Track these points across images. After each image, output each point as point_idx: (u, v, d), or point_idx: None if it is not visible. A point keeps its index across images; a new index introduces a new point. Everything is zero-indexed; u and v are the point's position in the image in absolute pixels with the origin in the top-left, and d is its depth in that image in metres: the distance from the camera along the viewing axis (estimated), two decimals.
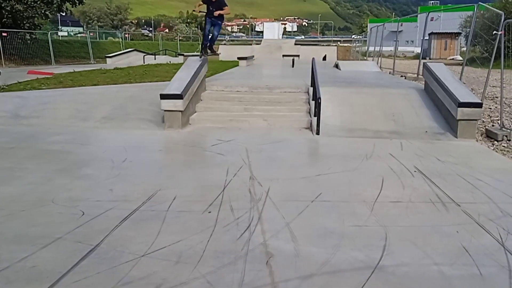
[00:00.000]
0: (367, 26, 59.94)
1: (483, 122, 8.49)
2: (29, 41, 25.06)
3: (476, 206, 4.34)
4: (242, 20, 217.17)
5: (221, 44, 37.52)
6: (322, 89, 8.22)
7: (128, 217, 3.98)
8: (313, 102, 8.50)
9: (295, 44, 35.68)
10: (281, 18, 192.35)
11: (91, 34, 40.89)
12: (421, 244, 3.50)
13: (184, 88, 8.23)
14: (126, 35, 52.35)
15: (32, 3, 22.84)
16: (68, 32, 56.67)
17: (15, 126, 8.23)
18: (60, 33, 50.96)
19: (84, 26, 79.73)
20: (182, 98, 8.02)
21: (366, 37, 36.86)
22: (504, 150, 6.94)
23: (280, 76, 14.43)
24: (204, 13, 9.32)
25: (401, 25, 22.53)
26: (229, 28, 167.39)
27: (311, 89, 9.45)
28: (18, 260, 3.16)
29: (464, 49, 19.97)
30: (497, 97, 10.21)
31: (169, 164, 6.23)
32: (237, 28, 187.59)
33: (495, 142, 7.37)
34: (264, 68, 18.36)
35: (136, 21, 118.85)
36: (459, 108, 7.44)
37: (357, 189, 4.90)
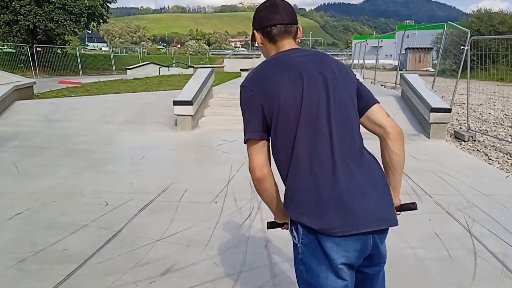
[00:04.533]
0: (352, 42, 59.89)
1: (452, 125, 8.49)
2: (60, 55, 25.08)
3: (446, 197, 4.34)
4: (244, 37, 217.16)
5: (226, 58, 37.53)
6: None
7: (145, 207, 3.98)
8: None
9: None
10: None
11: (114, 49, 40.88)
12: (398, 230, 3.47)
13: (194, 95, 8.22)
14: (144, 50, 52.36)
15: (63, 21, 22.87)
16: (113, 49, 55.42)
17: (48, 128, 8.23)
18: (104, 48, 50.68)
19: (108, 42, 79.69)
20: (192, 104, 8.01)
21: (351, 51, 36.89)
22: (470, 149, 6.93)
23: None
24: None
25: (381, 41, 22.54)
26: (232, 44, 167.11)
27: None
28: (51, 244, 3.16)
29: (436, 62, 19.97)
30: (464, 103, 10.21)
31: (181, 161, 6.23)
32: (240, 44, 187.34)
33: (463, 142, 7.37)
34: None
35: (152, 37, 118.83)
36: (431, 113, 7.43)
37: None
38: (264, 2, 1.52)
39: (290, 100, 1.35)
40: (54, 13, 22.50)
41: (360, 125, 1.50)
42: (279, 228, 1.69)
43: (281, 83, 1.36)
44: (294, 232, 1.41)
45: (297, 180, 1.36)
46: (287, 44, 1.49)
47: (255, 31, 1.54)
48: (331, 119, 1.35)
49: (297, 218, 1.37)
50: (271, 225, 1.76)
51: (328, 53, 1.54)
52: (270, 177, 1.43)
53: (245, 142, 1.44)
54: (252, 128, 1.41)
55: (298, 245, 1.41)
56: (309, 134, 1.35)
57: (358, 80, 1.53)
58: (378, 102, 1.54)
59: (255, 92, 1.39)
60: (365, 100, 1.51)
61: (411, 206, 1.61)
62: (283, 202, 1.49)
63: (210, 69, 10.44)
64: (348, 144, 1.38)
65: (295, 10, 1.56)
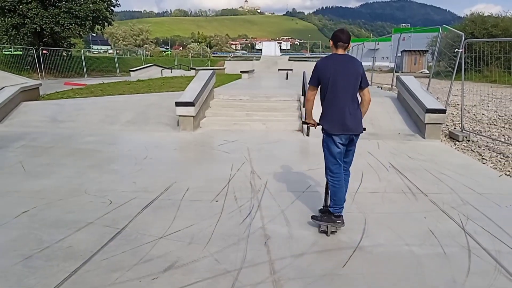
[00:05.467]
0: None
1: (447, 125, 8.49)
2: (65, 57, 25.07)
3: (441, 196, 4.34)
4: (244, 39, 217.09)
5: (227, 60, 37.49)
6: None
7: (148, 205, 3.98)
8: (304, 108, 8.49)
9: (289, 60, 35.66)
10: (277, 38, 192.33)
11: (118, 51, 40.87)
12: (394, 228, 3.50)
13: (195, 96, 8.22)
14: (147, 52, 52.29)
15: (68, 25, 22.85)
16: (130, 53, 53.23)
17: (53, 129, 8.23)
18: (110, 51, 50.45)
19: (112, 45, 79.56)
20: (194, 105, 8.01)
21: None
22: (464, 149, 6.94)
23: (276, 87, 14.42)
24: None
25: (378, 44, 22.53)
26: (233, 47, 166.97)
27: (302, 97, 9.45)
28: (56, 241, 3.17)
29: (431, 64, 19.97)
30: (458, 105, 10.21)
31: (183, 160, 6.23)
32: (240, 46, 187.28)
33: (457, 142, 7.37)
34: (263, 80, 18.35)
35: (155, 40, 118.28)
36: (426, 114, 7.43)
37: None
38: (340, 29, 3.37)
39: (328, 77, 3.25)
40: (60, 16, 22.48)
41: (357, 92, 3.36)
42: (306, 125, 4.76)
43: (327, 69, 3.25)
44: (322, 130, 3.38)
45: (326, 111, 3.33)
46: (340, 51, 3.31)
47: (331, 40, 3.36)
48: (344, 88, 3.24)
49: (323, 126, 3.35)
50: (304, 123, 3.72)
51: (326, 55, 3.48)
52: (313, 101, 3.45)
53: (308, 84, 3.40)
54: (313, 81, 3.35)
55: (324, 136, 3.38)
56: (333, 92, 3.26)
57: (363, 73, 3.32)
58: (368, 86, 3.39)
59: (319, 69, 3.31)
60: (363, 84, 3.33)
61: (364, 128, 3.42)
62: (319, 118, 3.38)
63: (211, 71, 10.43)
64: (350, 100, 3.26)
65: (350, 33, 3.45)
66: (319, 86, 3.34)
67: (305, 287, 2.59)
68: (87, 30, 24.90)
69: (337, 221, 3.35)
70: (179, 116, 8.10)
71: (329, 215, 3.38)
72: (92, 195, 4.27)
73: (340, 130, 3.24)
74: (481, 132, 7.91)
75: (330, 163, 3.36)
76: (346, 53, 3.36)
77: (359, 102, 3.36)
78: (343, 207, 3.40)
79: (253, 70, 22.96)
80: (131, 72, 25.29)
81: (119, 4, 26.91)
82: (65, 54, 25.16)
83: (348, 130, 3.25)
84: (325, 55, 3.44)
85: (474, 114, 9.73)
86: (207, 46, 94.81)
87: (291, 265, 2.85)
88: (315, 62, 3.40)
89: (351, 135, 3.30)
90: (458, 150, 6.91)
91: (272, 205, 4.00)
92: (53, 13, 22.33)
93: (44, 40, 23.32)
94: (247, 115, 8.99)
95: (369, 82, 3.64)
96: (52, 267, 2.78)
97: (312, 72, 3.35)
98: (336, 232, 3.37)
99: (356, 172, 5.20)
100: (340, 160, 3.35)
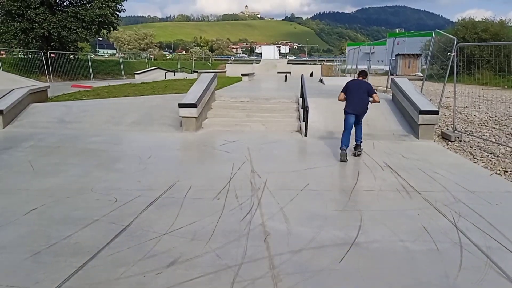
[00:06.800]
0: (345, 49, 59.74)
1: (440, 126, 8.49)
2: (72, 61, 25.04)
3: (434, 194, 4.34)
4: (245, 43, 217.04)
5: (228, 63, 37.46)
6: (309, 99, 8.22)
7: (152, 203, 3.98)
8: (302, 110, 8.49)
9: (288, 63, 35.63)
10: (277, 42, 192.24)
11: (123, 55, 40.82)
12: (389, 224, 3.50)
13: (198, 98, 8.22)
14: (151, 56, 52.22)
15: (75, 29, 22.83)
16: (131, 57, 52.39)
17: (61, 129, 8.23)
18: (116, 55, 49.95)
19: (117, 49, 79.50)
20: (196, 107, 8.02)
21: (345, 57, 36.84)
22: (456, 149, 6.94)
23: (275, 89, 14.42)
24: None
25: (373, 48, 22.41)
26: (234, 50, 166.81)
27: (300, 99, 9.45)
28: (64, 237, 3.17)
29: (424, 67, 19.95)
30: (450, 106, 10.21)
31: (186, 160, 6.23)
32: (241, 50, 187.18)
33: (449, 142, 7.37)
34: (263, 82, 18.34)
35: (159, 44, 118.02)
36: (420, 115, 7.44)
37: (337, 180, 4.90)
38: (362, 70, 6.88)
39: (350, 90, 6.15)
40: (67, 21, 22.43)
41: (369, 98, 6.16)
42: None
43: (350, 85, 6.19)
44: (344, 112, 6.13)
45: (347, 103, 6.14)
46: (360, 78, 6.32)
47: (356, 74, 7.58)
48: (356, 94, 6.07)
49: (345, 109, 6.15)
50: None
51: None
52: (342, 100, 6.22)
53: (340, 92, 6.30)
54: (343, 90, 6.22)
55: (345, 114, 6.14)
56: (351, 97, 6.09)
57: (370, 88, 6.11)
58: (375, 93, 6.08)
59: (347, 84, 6.25)
60: (370, 93, 6.05)
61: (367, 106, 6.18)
62: (344, 106, 6.17)
63: (213, 74, 10.43)
64: (359, 99, 6.05)
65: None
66: (346, 92, 6.10)
67: (303, 281, 2.60)
68: (93, 34, 24.83)
69: (341, 152, 5.92)
70: (182, 117, 8.10)
71: (341, 150, 5.94)
72: (98, 193, 4.27)
73: (352, 111, 5.98)
74: (472, 133, 7.91)
75: (345, 127, 6.05)
76: (361, 79, 6.19)
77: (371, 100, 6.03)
78: (345, 145, 5.91)
79: (253, 73, 22.96)
80: (135, 75, 25.25)
81: (125, 9, 26.88)
82: (72, 58, 25.11)
83: (355, 112, 6.00)
84: (352, 78, 6.81)
85: (466, 115, 9.73)
86: (209, 50, 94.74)
87: (290, 260, 2.85)
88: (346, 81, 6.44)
89: (357, 114, 6.04)
90: (450, 150, 6.91)
91: (272, 203, 4.00)
92: (60, 18, 22.30)
93: (52, 44, 23.29)
94: (247, 116, 8.99)
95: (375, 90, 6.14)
96: (59, 263, 2.78)
97: (344, 86, 6.16)
98: (340, 155, 5.85)
99: (353, 171, 5.22)
100: (349, 126, 6.05)
